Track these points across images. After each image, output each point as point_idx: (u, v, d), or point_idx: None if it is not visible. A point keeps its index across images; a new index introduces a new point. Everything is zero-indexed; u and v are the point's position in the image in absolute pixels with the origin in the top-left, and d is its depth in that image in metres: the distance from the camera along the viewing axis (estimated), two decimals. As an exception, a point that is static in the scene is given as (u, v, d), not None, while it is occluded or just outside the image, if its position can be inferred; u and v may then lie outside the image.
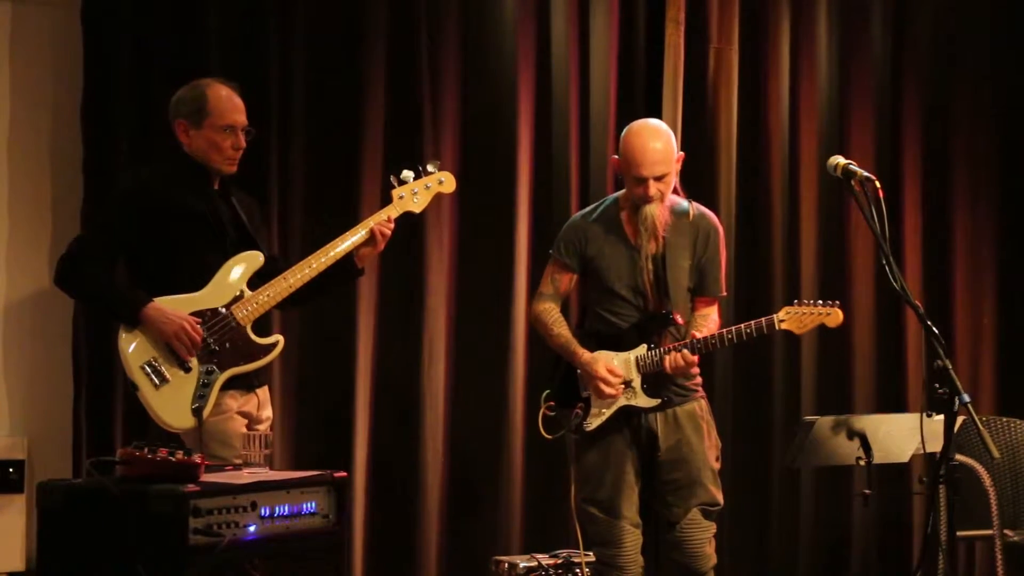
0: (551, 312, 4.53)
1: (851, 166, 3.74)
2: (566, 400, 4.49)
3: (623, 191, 4.50)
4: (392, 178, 4.32)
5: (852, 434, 4.61)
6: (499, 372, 5.56)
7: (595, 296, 4.52)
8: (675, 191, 4.50)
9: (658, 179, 4.35)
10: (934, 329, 3.49)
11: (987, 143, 6.31)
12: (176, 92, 4.22)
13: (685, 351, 4.31)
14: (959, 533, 4.99)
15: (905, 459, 4.81)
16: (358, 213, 5.23)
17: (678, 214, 4.47)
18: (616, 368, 4.38)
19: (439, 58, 5.53)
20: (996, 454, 3.55)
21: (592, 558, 4.55)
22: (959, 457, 3.73)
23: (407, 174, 4.30)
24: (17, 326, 5.16)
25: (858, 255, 6.09)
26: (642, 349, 4.40)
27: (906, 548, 6.09)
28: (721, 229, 4.55)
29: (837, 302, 4.37)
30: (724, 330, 4.35)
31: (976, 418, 3.43)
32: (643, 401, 4.39)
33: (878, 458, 4.61)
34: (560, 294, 4.57)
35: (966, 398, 3.42)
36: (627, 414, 4.41)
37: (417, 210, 4.33)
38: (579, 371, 4.45)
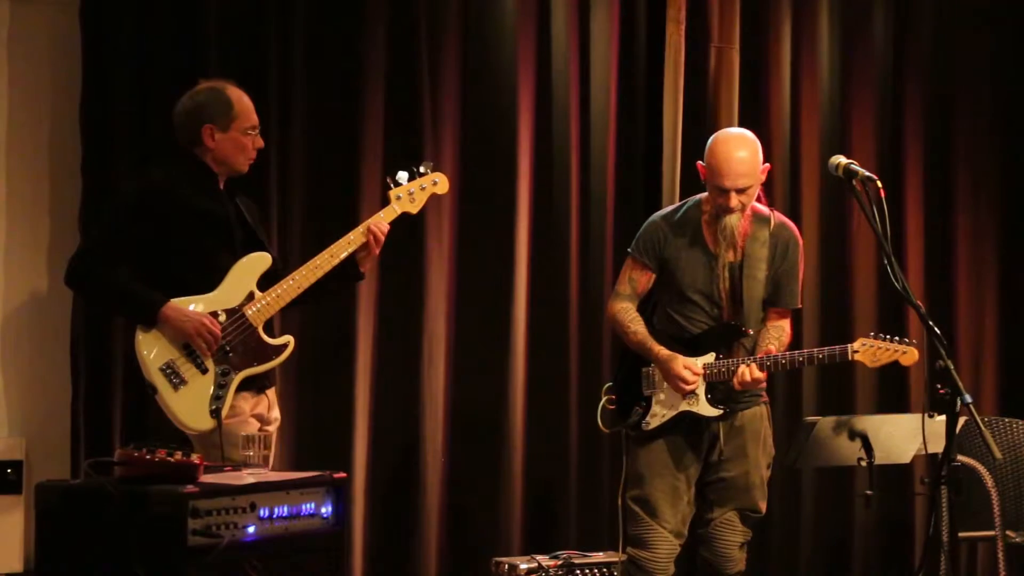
0: (628, 311, 4.47)
1: (852, 165, 3.73)
2: (627, 396, 4.46)
3: (706, 193, 4.43)
4: (388, 179, 4.34)
5: (854, 435, 4.60)
6: (499, 372, 5.55)
7: (667, 297, 4.47)
8: (757, 198, 4.42)
9: (740, 191, 4.28)
10: (936, 329, 3.48)
11: (989, 143, 6.31)
12: (189, 95, 4.20)
13: (754, 366, 4.26)
14: (961, 534, 5.00)
15: (907, 460, 4.80)
16: (357, 213, 5.22)
17: (758, 223, 4.41)
18: (694, 366, 4.33)
19: (439, 58, 5.52)
20: (998, 455, 3.54)
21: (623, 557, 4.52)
22: (961, 458, 3.74)
23: (402, 175, 4.34)
24: (15, 327, 5.14)
25: (860, 255, 6.09)
26: (710, 357, 4.35)
27: (908, 549, 6.08)
28: (801, 240, 4.50)
29: (915, 340, 4.29)
30: (796, 352, 4.31)
31: (978, 419, 3.42)
32: (705, 410, 4.35)
33: (880, 459, 4.60)
34: (638, 294, 4.50)
35: (968, 398, 3.41)
36: (688, 420, 4.38)
37: (414, 211, 4.36)
38: (649, 368, 4.41)
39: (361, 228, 4.24)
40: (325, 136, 5.38)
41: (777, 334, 4.42)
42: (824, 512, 6.00)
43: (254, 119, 4.20)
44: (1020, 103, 6.31)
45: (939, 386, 3.46)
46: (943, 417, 3.50)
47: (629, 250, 4.54)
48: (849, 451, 4.62)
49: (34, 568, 3.93)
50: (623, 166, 5.78)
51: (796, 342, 5.88)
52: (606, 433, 4.49)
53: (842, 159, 3.76)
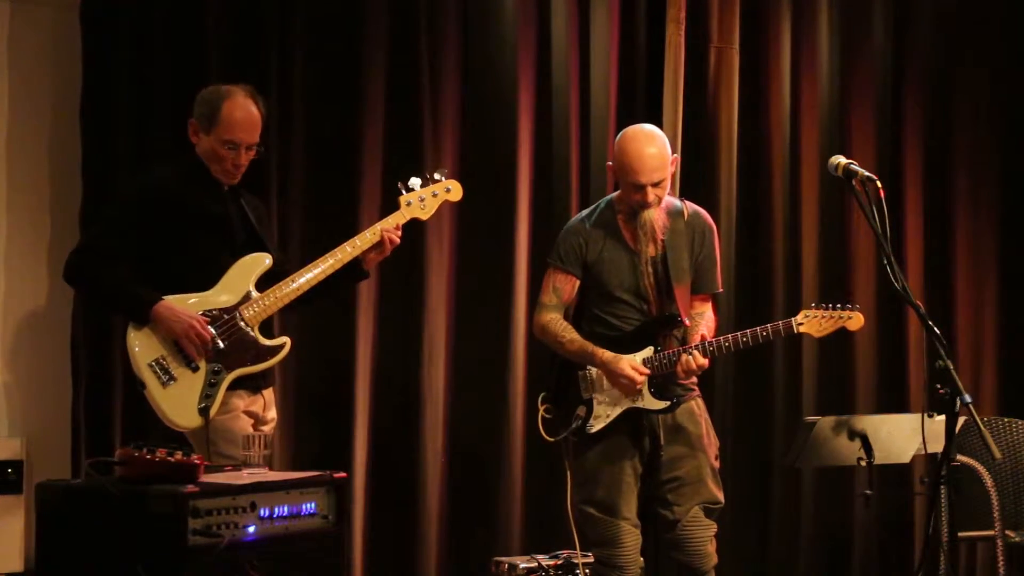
0: (558, 321, 4.49)
1: (852, 166, 3.74)
2: (565, 402, 4.47)
3: (617, 193, 4.49)
4: (399, 185, 4.35)
5: (853, 434, 4.60)
6: (499, 372, 5.55)
7: (595, 300, 4.50)
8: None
9: (655, 185, 4.35)
10: (935, 329, 3.48)
11: (988, 142, 6.31)
12: (201, 89, 4.22)
13: (697, 354, 4.28)
14: (960, 534, 5.00)
15: (906, 460, 4.80)
16: (358, 214, 5.22)
17: (673, 215, 4.47)
18: (639, 365, 4.35)
19: (439, 58, 5.52)
20: (998, 455, 3.55)
21: (591, 559, 4.54)
22: (960, 458, 3.74)
23: (414, 181, 4.36)
24: (16, 327, 5.15)
25: (859, 255, 6.09)
26: (649, 351, 4.38)
27: (907, 549, 6.08)
28: (714, 226, 4.56)
29: (857, 305, 4.36)
30: (739, 333, 4.31)
31: (977, 419, 3.42)
32: (651, 403, 4.38)
33: (879, 458, 4.60)
34: (563, 303, 4.52)
35: (967, 398, 3.41)
36: (629, 415, 4.41)
37: (424, 217, 4.39)
38: (585, 371, 4.42)
39: (367, 233, 4.25)
40: (325, 137, 5.38)
41: (701, 320, 4.45)
42: (824, 512, 6.00)
43: (237, 136, 4.11)
44: (1020, 102, 6.31)
45: (939, 386, 3.46)
46: (943, 417, 3.51)
47: (549, 260, 4.56)
48: (849, 451, 4.62)
49: (34, 568, 3.92)
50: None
51: (797, 341, 5.90)
52: (550, 442, 4.48)
53: (842, 159, 3.77)
